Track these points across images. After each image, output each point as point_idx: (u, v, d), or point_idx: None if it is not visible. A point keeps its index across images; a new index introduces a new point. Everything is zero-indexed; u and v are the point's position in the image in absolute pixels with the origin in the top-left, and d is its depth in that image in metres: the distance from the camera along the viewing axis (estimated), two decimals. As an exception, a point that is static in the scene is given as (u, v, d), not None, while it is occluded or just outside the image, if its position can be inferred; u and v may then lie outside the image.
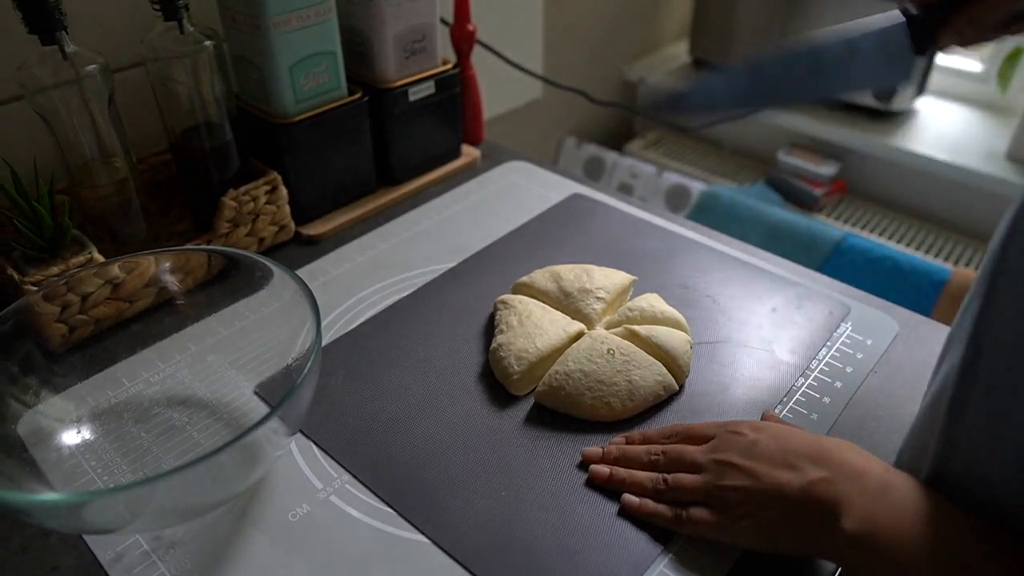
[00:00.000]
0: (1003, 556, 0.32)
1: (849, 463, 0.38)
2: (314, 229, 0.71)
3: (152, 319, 0.57)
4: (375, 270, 0.66)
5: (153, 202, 0.69)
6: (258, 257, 0.50)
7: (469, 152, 0.84)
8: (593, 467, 0.46)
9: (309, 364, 0.41)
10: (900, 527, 0.34)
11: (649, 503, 0.43)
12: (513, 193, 0.78)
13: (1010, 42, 1.23)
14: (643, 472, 0.45)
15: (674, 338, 0.53)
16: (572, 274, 0.59)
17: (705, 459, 0.42)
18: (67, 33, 0.54)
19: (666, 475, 0.43)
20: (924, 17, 0.46)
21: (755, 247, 0.69)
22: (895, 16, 0.47)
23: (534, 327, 0.54)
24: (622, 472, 0.45)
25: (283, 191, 0.67)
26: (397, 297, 0.63)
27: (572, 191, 0.77)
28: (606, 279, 0.59)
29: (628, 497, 0.44)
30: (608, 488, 0.45)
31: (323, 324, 0.60)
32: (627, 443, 0.47)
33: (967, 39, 0.46)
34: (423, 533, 0.43)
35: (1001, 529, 0.33)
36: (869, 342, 0.57)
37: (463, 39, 0.81)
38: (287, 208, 0.68)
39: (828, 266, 1.05)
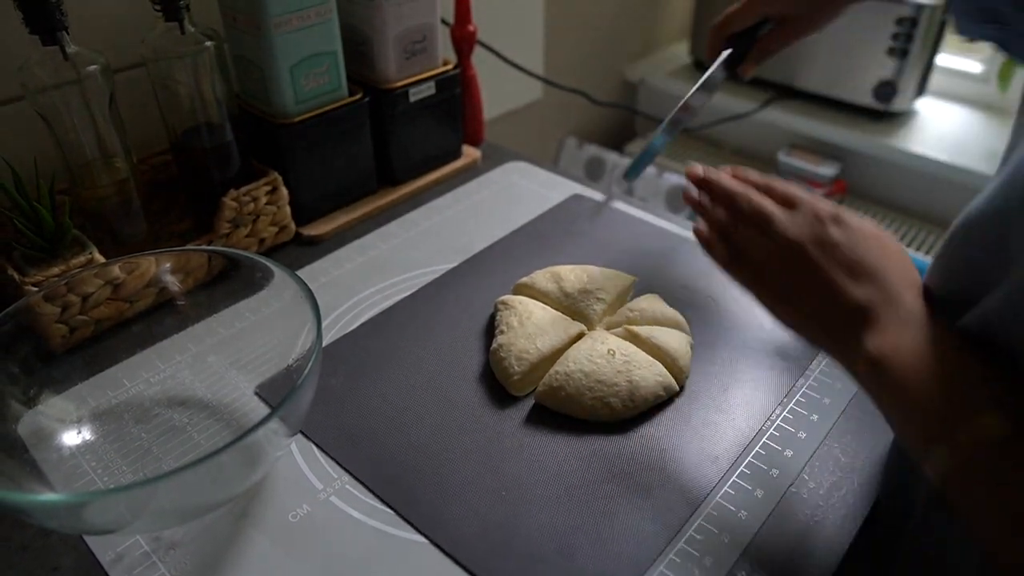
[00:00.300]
0: (1011, 409, 0.32)
1: (896, 288, 0.39)
2: (315, 229, 0.71)
3: (152, 320, 0.57)
4: (376, 271, 0.66)
5: (154, 202, 0.69)
6: (258, 258, 0.50)
7: (470, 152, 0.84)
8: (686, 190, 0.50)
9: (310, 364, 0.41)
10: (916, 363, 0.35)
11: (714, 238, 0.47)
12: (513, 193, 0.78)
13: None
14: (722, 210, 0.47)
15: (674, 339, 0.53)
16: (572, 275, 0.59)
17: (780, 230, 0.43)
18: (68, 33, 0.54)
19: (739, 226, 0.46)
20: (740, 52, 0.65)
21: (755, 248, 0.68)
22: (723, 55, 0.65)
23: (534, 328, 0.54)
24: (706, 200, 0.49)
25: (283, 191, 0.67)
26: (398, 298, 0.63)
27: (572, 191, 0.77)
28: (606, 280, 0.59)
29: (698, 227, 0.48)
30: (694, 198, 0.50)
31: (323, 324, 0.59)
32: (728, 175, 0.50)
33: (759, 60, 0.66)
34: (423, 534, 0.43)
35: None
36: (869, 343, 0.57)
37: (464, 39, 0.81)
38: (287, 208, 0.68)
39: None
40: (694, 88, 0.66)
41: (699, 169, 0.50)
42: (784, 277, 0.42)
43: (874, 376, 0.37)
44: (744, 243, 0.45)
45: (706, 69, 0.66)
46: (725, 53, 0.64)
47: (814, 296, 0.40)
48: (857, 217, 0.43)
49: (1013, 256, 0.32)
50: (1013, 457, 0.31)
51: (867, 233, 0.42)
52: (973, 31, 0.46)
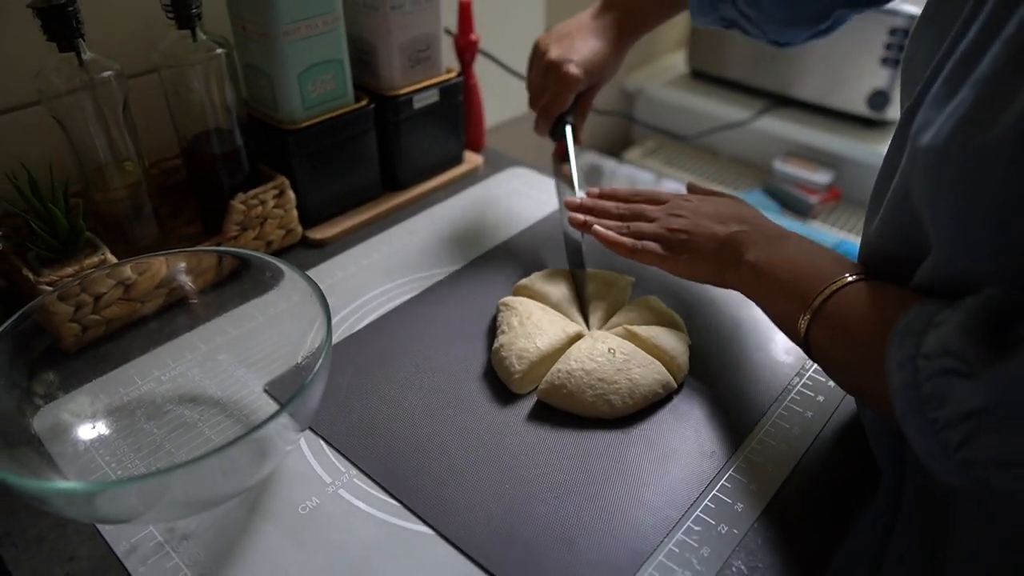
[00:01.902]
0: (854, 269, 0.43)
1: (760, 221, 0.52)
2: (320, 233, 0.72)
3: (164, 319, 0.59)
4: (380, 273, 0.68)
5: (164, 206, 0.70)
6: (269, 258, 0.51)
7: (471, 159, 0.85)
8: (571, 215, 0.60)
9: (320, 362, 0.43)
10: (785, 261, 0.46)
11: (612, 232, 0.56)
12: (514, 199, 0.79)
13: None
14: (610, 220, 0.58)
15: (673, 338, 0.55)
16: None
17: (660, 213, 0.56)
18: (84, 40, 0.56)
19: (628, 223, 0.57)
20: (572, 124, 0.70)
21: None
22: (568, 130, 0.70)
23: (534, 327, 0.55)
24: (593, 219, 0.59)
25: (290, 195, 0.69)
26: (402, 299, 0.64)
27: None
28: (605, 281, 0.61)
29: (597, 228, 0.57)
30: (583, 230, 0.59)
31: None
32: (599, 198, 0.62)
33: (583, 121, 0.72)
34: (429, 525, 0.45)
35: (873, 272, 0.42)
36: (862, 343, 0.58)
37: (466, 49, 0.83)
38: (294, 212, 0.70)
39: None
40: (576, 176, 0.69)
41: (576, 200, 0.62)
42: (677, 241, 0.53)
43: (753, 279, 0.48)
44: (636, 231, 0.56)
45: (556, 139, 0.71)
46: (569, 129, 0.69)
47: (698, 246, 0.52)
48: (710, 192, 0.58)
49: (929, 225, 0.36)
50: (855, 302, 0.40)
51: (723, 199, 0.56)
52: (707, 18, 0.67)
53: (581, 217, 0.59)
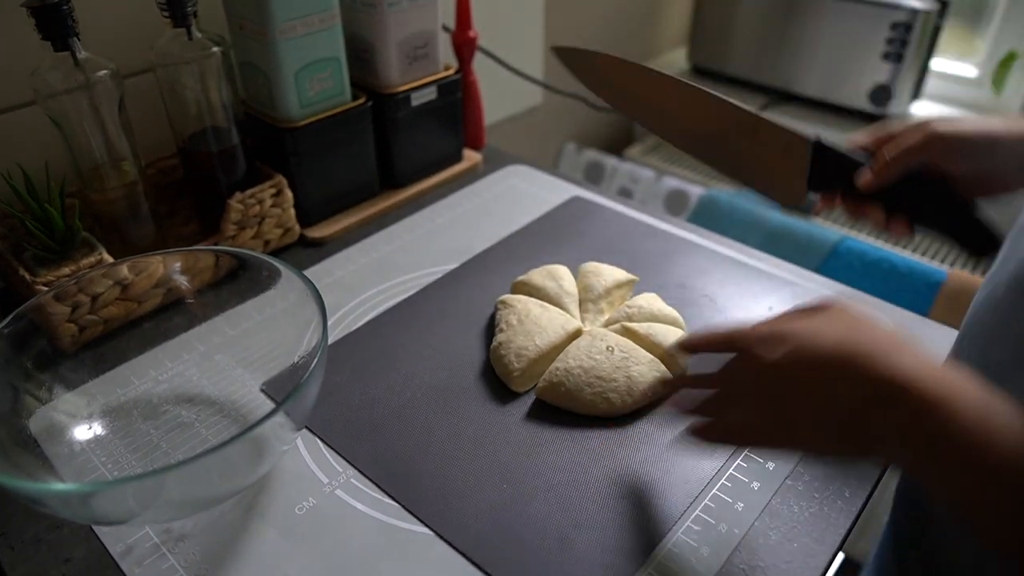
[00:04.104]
0: None
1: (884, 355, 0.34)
2: (319, 232, 0.72)
3: (161, 319, 0.59)
4: (379, 272, 0.67)
5: (161, 205, 0.70)
6: (265, 257, 0.51)
7: (471, 156, 0.85)
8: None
9: (316, 360, 0.43)
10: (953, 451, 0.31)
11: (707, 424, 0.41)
12: (514, 196, 0.79)
13: (1004, 46, 1.24)
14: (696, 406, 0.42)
15: (671, 336, 0.54)
16: (571, 272, 0.60)
17: (720, 401, 0.40)
18: (79, 39, 0.55)
19: (718, 409, 0.41)
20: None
21: (753, 249, 0.70)
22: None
23: (533, 325, 0.55)
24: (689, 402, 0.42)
25: (288, 194, 0.68)
26: (400, 298, 0.64)
27: (572, 194, 0.78)
28: (604, 277, 0.60)
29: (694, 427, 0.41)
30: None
31: (328, 323, 0.60)
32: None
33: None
34: (427, 525, 0.44)
35: None
36: (864, 340, 0.58)
37: (464, 45, 0.82)
38: (292, 211, 0.70)
39: (825, 268, 1.06)
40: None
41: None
42: (779, 415, 0.37)
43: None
44: (732, 418, 0.40)
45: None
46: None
47: (805, 410, 0.36)
48: (797, 316, 0.39)
49: None
50: None
51: (817, 344, 0.36)
52: None
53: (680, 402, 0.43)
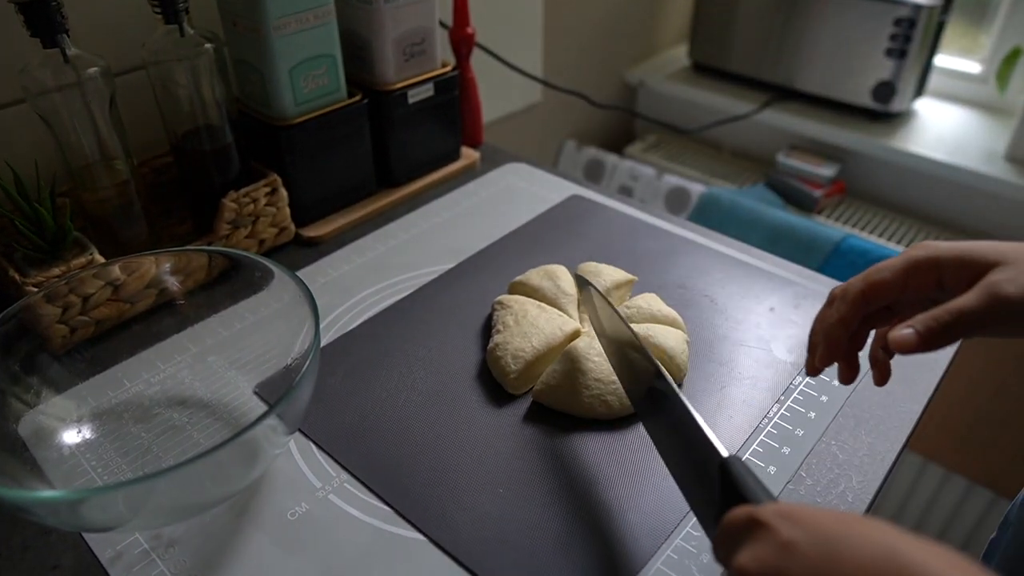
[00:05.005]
0: None
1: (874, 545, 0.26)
2: (314, 231, 0.71)
3: (153, 320, 0.58)
4: (374, 271, 0.67)
5: (154, 204, 0.69)
6: (258, 258, 0.50)
7: (468, 154, 0.84)
8: None
9: (308, 363, 0.42)
10: None
11: None
12: (512, 195, 0.78)
13: (1008, 43, 1.23)
14: None
15: (672, 337, 0.53)
16: (569, 272, 0.59)
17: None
18: (68, 36, 0.54)
19: None
20: None
21: (754, 248, 0.69)
22: None
23: (530, 326, 0.54)
24: None
25: (283, 193, 0.68)
26: (396, 298, 0.63)
27: (571, 193, 0.78)
28: (603, 277, 0.59)
29: None
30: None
31: (323, 324, 0.60)
32: None
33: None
34: (421, 531, 0.44)
35: None
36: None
37: (462, 42, 0.81)
38: (287, 210, 0.69)
39: (828, 267, 1.05)
40: None
41: None
42: None
43: None
44: None
45: None
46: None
47: None
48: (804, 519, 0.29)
49: None
50: None
51: (819, 520, 0.28)
52: None
53: None
